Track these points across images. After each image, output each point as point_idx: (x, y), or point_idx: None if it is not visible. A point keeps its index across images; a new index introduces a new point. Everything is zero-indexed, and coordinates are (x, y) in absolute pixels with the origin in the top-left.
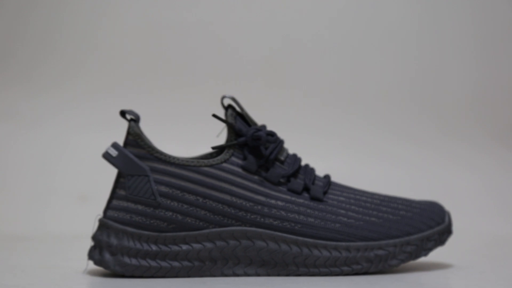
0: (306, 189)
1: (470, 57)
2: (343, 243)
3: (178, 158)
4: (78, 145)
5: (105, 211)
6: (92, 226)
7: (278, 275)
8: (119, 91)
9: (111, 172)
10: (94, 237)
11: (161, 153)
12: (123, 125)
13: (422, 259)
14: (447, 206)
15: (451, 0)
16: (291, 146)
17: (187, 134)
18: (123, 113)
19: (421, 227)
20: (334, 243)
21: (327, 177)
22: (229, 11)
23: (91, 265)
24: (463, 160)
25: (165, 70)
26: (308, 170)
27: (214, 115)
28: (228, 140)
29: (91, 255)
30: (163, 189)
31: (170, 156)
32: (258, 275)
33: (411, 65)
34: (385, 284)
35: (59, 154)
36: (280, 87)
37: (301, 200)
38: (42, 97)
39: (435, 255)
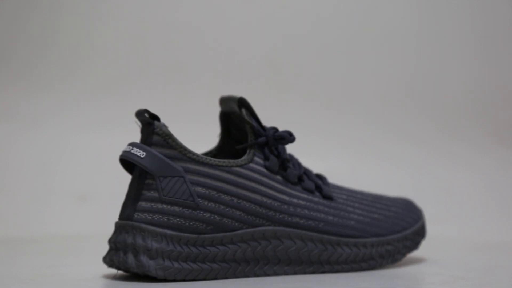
0: (317, 188)
1: (470, 57)
2: (361, 240)
3: (210, 159)
4: (78, 145)
5: (129, 214)
6: (94, 227)
7: (304, 273)
8: (119, 91)
9: (111, 173)
10: (120, 241)
11: (194, 154)
12: (123, 125)
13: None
14: (448, 206)
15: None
16: (291, 146)
17: (186, 134)
18: (139, 113)
19: (411, 222)
20: (354, 239)
21: (320, 175)
22: (228, 10)
23: (113, 270)
24: (463, 160)
25: (165, 70)
26: (307, 169)
27: (236, 115)
28: (249, 140)
29: (122, 260)
30: (200, 190)
31: (202, 157)
32: (286, 274)
33: (411, 65)
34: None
35: (59, 154)
36: (280, 87)
37: (316, 199)
38: (42, 97)
39: (433, 251)
